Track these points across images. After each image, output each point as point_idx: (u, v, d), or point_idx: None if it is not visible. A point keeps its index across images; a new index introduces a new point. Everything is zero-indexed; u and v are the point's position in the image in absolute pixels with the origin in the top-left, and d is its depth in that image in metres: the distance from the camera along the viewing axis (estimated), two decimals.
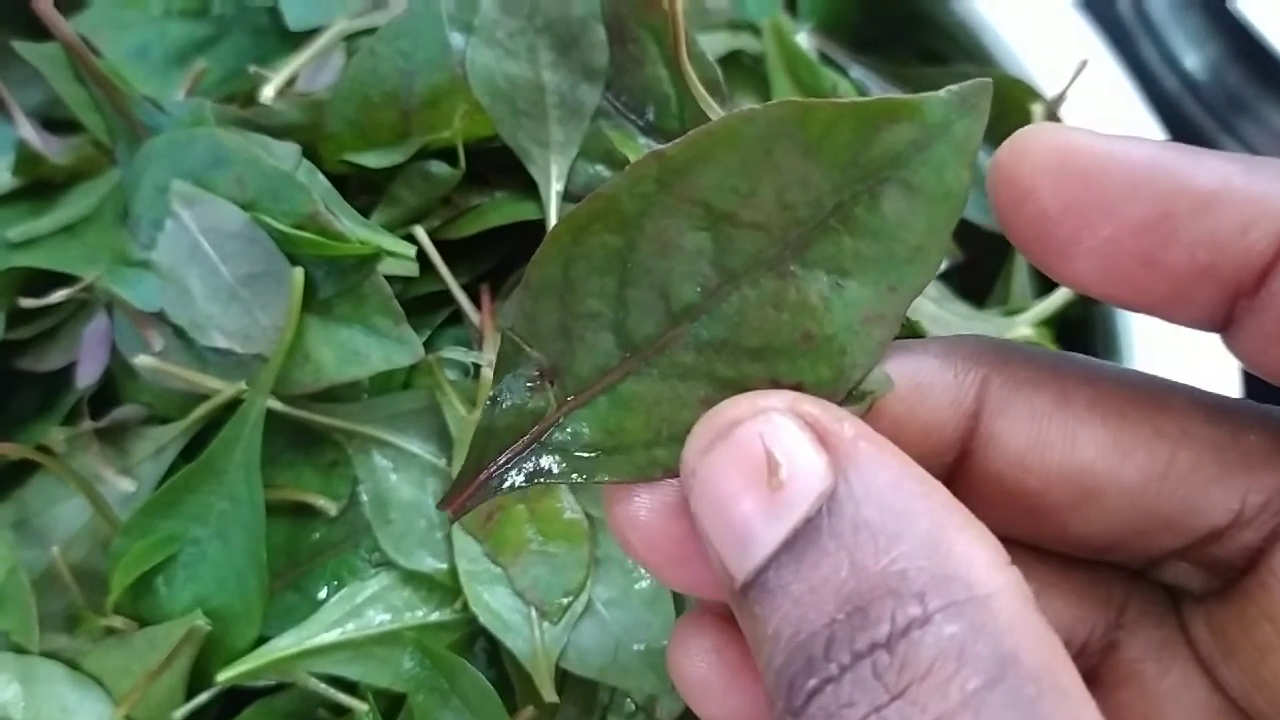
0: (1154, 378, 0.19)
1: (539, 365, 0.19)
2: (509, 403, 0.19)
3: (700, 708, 0.20)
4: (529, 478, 0.19)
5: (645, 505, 0.19)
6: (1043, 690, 0.14)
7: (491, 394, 0.19)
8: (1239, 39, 0.48)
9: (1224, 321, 0.18)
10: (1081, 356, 0.20)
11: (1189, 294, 0.17)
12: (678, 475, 0.18)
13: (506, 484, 0.19)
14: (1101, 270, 0.17)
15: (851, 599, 0.15)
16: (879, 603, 0.15)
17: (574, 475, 0.19)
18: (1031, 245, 0.18)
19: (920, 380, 0.19)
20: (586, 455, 0.19)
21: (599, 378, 0.19)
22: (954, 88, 0.18)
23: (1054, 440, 0.19)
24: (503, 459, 0.19)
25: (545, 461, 0.19)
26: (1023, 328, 0.35)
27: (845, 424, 0.17)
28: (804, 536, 0.16)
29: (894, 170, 0.18)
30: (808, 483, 0.16)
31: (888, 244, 0.18)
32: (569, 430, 0.19)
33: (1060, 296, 0.36)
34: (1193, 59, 0.51)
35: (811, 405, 0.17)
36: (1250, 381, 0.35)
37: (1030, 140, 0.17)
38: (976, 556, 0.15)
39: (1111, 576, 0.21)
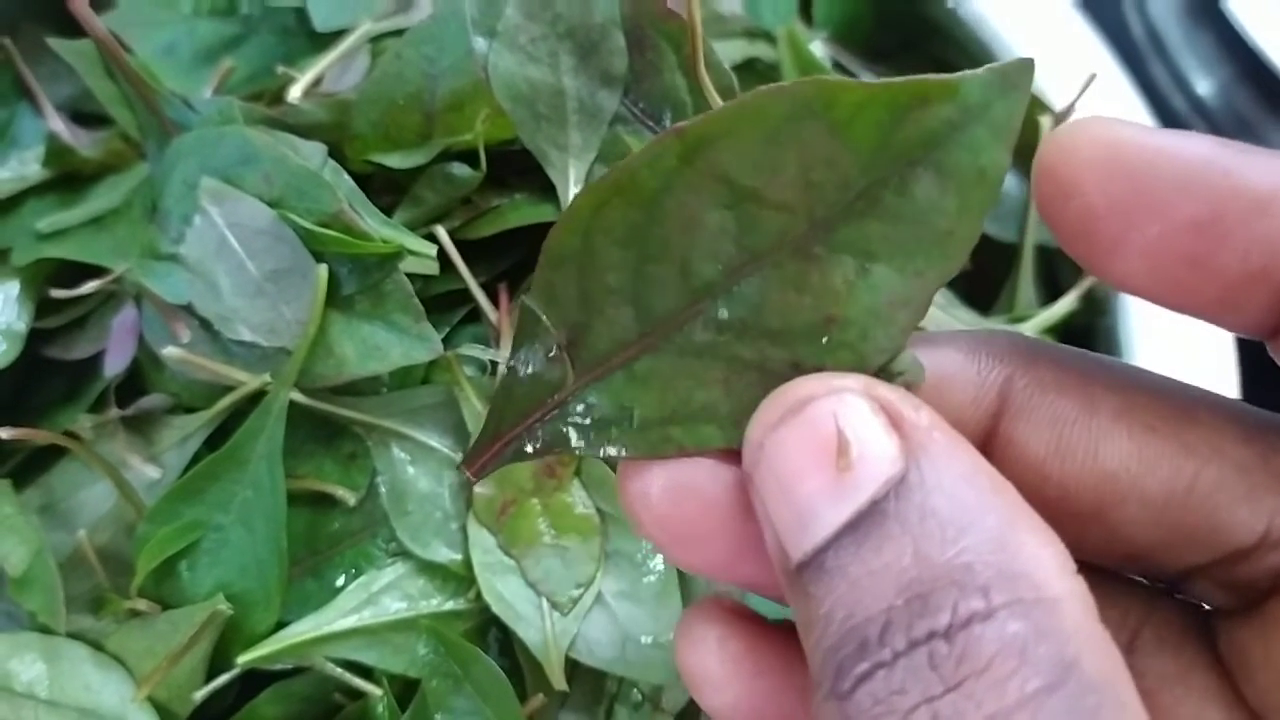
0: (1185, 386, 0.19)
1: (557, 337, 0.19)
2: (526, 372, 0.19)
3: (700, 696, 0.20)
4: (545, 447, 0.19)
5: (658, 483, 0.19)
6: (1104, 701, 0.14)
7: (510, 363, 0.19)
8: (1249, 63, 0.49)
9: (1274, 329, 0.17)
10: (1111, 360, 0.19)
11: (1239, 299, 0.17)
12: (690, 454, 0.18)
13: (523, 450, 0.19)
14: (1148, 271, 0.17)
15: (912, 586, 0.15)
16: (941, 592, 0.15)
17: (589, 448, 0.19)
18: (1075, 242, 0.17)
19: (942, 373, 0.19)
20: (602, 429, 0.19)
21: (616, 352, 0.19)
22: (995, 66, 0.17)
23: (1076, 447, 0.18)
24: (520, 427, 0.19)
25: (561, 432, 0.19)
26: (1027, 332, 0.35)
27: (921, 412, 0.16)
28: (869, 519, 0.15)
29: (927, 153, 0.17)
30: (878, 466, 0.16)
31: (916, 228, 0.17)
32: (585, 403, 0.19)
33: (1065, 305, 0.37)
34: (1203, 82, 0.52)
35: (887, 390, 0.17)
36: (1248, 390, 0.36)
37: (1078, 133, 0.17)
38: (1045, 558, 0.15)
39: (1129, 600, 0.20)
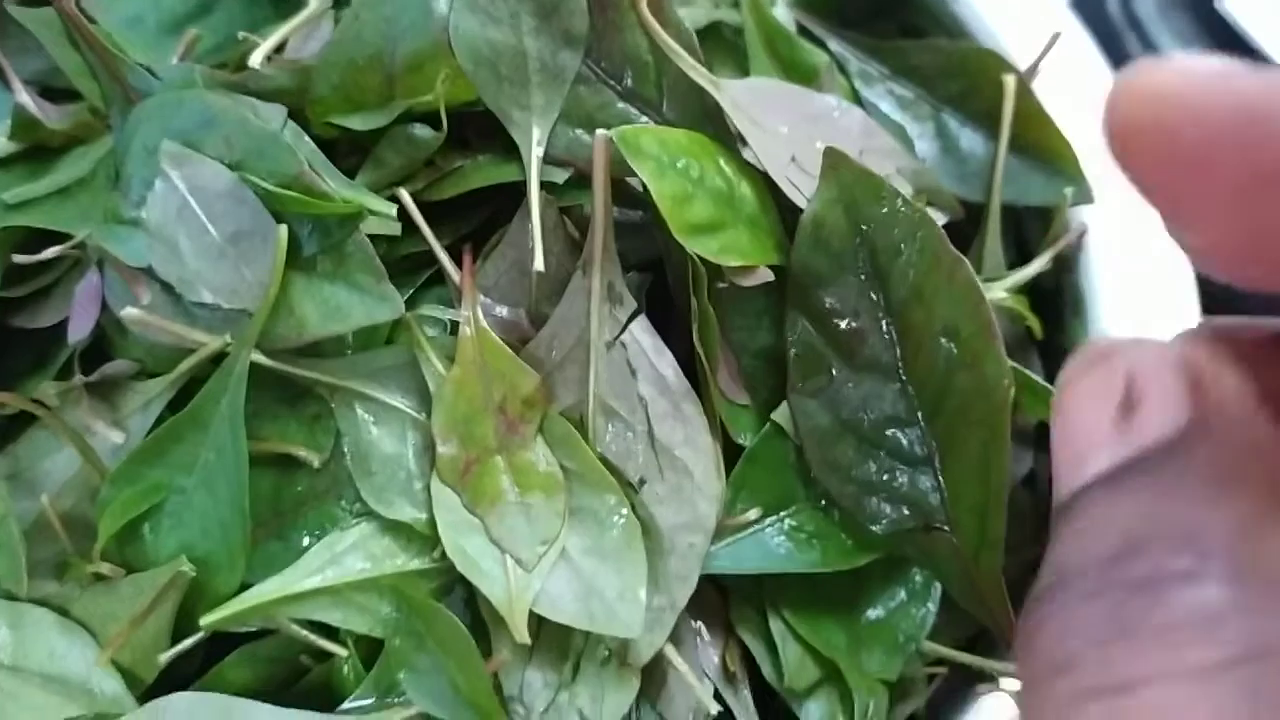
0: None
1: None
2: None
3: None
4: None
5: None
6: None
7: None
8: (1225, 39, 0.49)
9: None
10: None
11: None
12: None
13: None
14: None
15: (1142, 539, 0.15)
16: (1164, 545, 0.15)
17: None
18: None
19: None
20: None
21: None
22: None
23: None
24: None
25: None
26: (997, 291, 0.35)
27: (1225, 379, 0.16)
28: (1131, 470, 0.16)
29: None
30: (1159, 423, 0.16)
31: None
32: None
33: (1033, 266, 0.37)
34: None
35: (1194, 350, 0.17)
36: None
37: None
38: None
39: None
